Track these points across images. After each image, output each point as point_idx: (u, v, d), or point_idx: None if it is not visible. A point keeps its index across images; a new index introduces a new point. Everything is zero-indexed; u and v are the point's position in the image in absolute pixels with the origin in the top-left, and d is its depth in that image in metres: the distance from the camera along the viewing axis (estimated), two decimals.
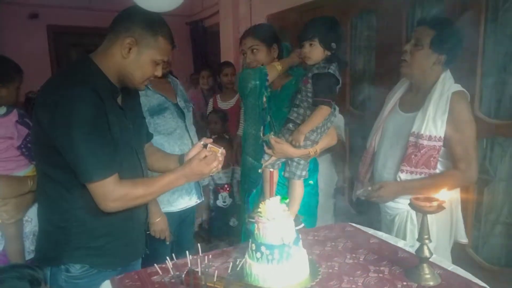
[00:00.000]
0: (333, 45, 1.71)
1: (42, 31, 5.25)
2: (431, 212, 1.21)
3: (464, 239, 1.82)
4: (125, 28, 1.29)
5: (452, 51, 1.69)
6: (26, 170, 1.73)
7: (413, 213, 1.74)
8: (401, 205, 1.77)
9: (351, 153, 3.23)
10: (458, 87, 1.70)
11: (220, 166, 1.42)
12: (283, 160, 1.85)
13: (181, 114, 2.04)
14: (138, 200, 1.32)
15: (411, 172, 1.71)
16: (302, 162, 1.82)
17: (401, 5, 2.68)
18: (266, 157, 1.83)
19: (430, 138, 1.66)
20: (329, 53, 1.72)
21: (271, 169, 1.82)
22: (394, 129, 1.84)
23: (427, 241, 1.21)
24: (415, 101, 1.77)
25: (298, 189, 1.85)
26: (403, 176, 1.73)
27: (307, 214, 1.93)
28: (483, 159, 2.29)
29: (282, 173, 1.88)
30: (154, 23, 1.32)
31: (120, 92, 1.38)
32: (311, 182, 1.95)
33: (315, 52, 1.71)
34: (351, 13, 3.15)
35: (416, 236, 1.73)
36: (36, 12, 5.07)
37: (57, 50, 5.44)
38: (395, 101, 1.90)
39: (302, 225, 1.88)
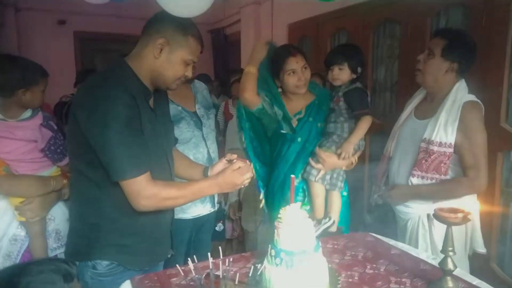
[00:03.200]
0: (359, 69, 1.89)
1: (69, 37, 5.43)
2: (456, 224, 1.18)
3: (482, 249, 1.80)
4: (157, 30, 1.34)
5: (464, 58, 1.73)
6: (50, 170, 1.77)
7: (424, 217, 1.78)
8: (412, 210, 1.82)
9: (370, 161, 3.20)
10: (471, 97, 1.73)
11: (248, 181, 1.42)
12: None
13: (198, 123, 2.04)
14: (169, 201, 1.33)
15: (422, 177, 1.76)
16: (341, 173, 1.91)
17: (425, 14, 2.65)
18: (314, 172, 1.88)
19: (440, 144, 1.70)
20: (354, 76, 1.89)
21: (321, 183, 1.89)
22: (408, 135, 1.89)
23: (451, 253, 1.18)
24: (430, 108, 1.82)
25: (337, 200, 1.93)
26: (414, 180, 1.78)
27: (344, 224, 1.99)
28: (509, 173, 2.23)
29: (324, 185, 1.92)
30: (184, 24, 1.37)
31: (152, 95, 1.42)
32: (345, 193, 2.01)
33: (344, 74, 1.87)
34: (373, 22, 3.14)
35: (428, 241, 1.78)
36: (64, 18, 5.25)
37: (83, 56, 5.60)
38: (411, 109, 1.96)
39: (332, 220, 1.90)
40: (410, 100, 2.00)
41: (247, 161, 1.43)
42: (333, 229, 1.90)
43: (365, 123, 1.85)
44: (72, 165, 1.40)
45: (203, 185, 1.39)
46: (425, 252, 1.67)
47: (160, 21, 1.36)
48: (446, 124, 1.69)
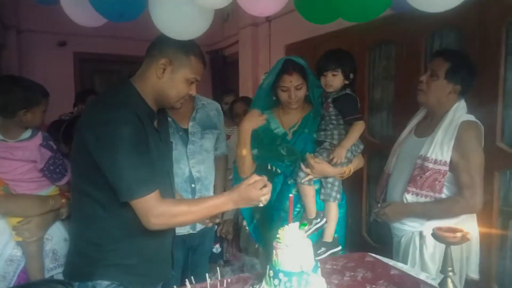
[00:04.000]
0: (352, 75, 1.86)
1: (69, 58, 5.48)
2: (454, 243, 1.18)
3: (475, 275, 1.78)
4: (159, 51, 1.37)
5: (466, 81, 1.77)
6: (48, 190, 1.76)
7: (416, 235, 1.79)
8: (406, 227, 1.84)
9: (368, 180, 3.20)
10: (469, 117, 1.75)
11: (269, 194, 1.38)
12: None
13: (185, 139, 1.99)
14: (180, 217, 1.31)
15: (417, 194, 1.77)
16: (336, 183, 1.87)
17: (420, 35, 2.71)
18: (301, 174, 1.85)
19: (435, 161, 1.72)
20: (347, 82, 1.86)
21: (308, 185, 1.85)
22: (407, 153, 1.92)
23: (451, 273, 1.18)
24: (429, 127, 1.85)
25: (333, 211, 1.88)
26: (409, 197, 1.80)
27: (340, 240, 1.94)
28: (506, 192, 2.23)
29: (319, 196, 1.89)
30: (186, 44, 1.41)
31: (156, 116, 1.45)
32: (342, 209, 1.95)
33: (337, 81, 1.84)
34: (368, 43, 3.20)
35: (417, 259, 1.78)
36: (64, 40, 5.32)
37: (82, 76, 5.64)
38: (411, 127, 1.99)
39: (340, 247, 1.89)
40: (411, 119, 2.03)
41: (265, 176, 1.39)
42: (329, 239, 1.87)
43: (357, 128, 1.83)
44: (75, 185, 1.40)
45: (217, 201, 1.36)
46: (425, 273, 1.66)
47: (163, 42, 1.40)
48: (442, 142, 1.71)
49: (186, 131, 2.01)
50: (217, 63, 6.15)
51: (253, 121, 1.85)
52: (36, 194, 1.71)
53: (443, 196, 1.74)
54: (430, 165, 1.72)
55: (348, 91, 1.86)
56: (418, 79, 1.87)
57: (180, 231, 1.96)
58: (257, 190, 1.34)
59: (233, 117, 3.29)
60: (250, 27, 4.82)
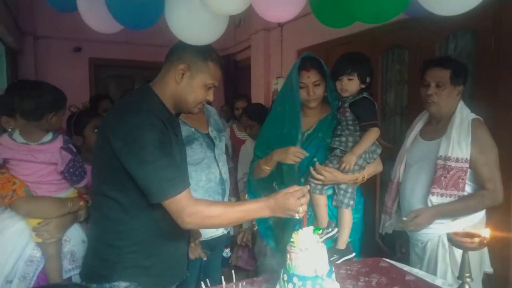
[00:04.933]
0: (368, 79, 1.82)
1: (84, 64, 5.58)
2: (472, 249, 1.17)
3: (489, 269, 1.83)
4: (178, 56, 1.41)
5: (466, 79, 1.88)
6: (67, 192, 1.79)
7: (444, 237, 1.78)
8: (432, 230, 1.83)
9: (381, 185, 3.18)
10: (474, 115, 1.84)
11: (306, 206, 1.35)
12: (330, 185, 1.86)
13: (211, 144, 2.07)
14: (213, 219, 1.31)
15: (442, 195, 1.79)
16: (349, 190, 1.84)
17: (434, 39, 2.69)
18: (311, 183, 1.83)
19: (457, 160, 1.76)
20: (363, 86, 1.83)
21: (319, 194, 1.84)
22: (421, 157, 1.92)
23: (468, 279, 1.16)
24: (437, 129, 1.90)
25: (347, 218, 1.85)
26: (433, 199, 1.81)
27: (355, 247, 1.93)
28: None
29: (332, 203, 1.88)
30: (204, 49, 1.43)
31: (178, 121, 1.48)
32: (358, 214, 1.94)
33: (353, 85, 1.81)
34: (381, 48, 3.18)
35: (448, 261, 1.77)
36: (80, 46, 5.42)
37: (97, 81, 5.74)
38: (416, 133, 2.01)
39: (354, 254, 1.87)
40: (412, 126, 2.06)
41: (305, 187, 1.37)
42: (342, 246, 1.85)
43: (372, 135, 1.78)
44: (96, 188, 1.42)
45: (253, 206, 1.35)
46: (444, 274, 1.72)
47: (181, 48, 1.43)
48: (460, 140, 1.76)
49: (208, 136, 2.09)
50: (229, 68, 6.19)
51: (289, 158, 1.77)
52: (55, 196, 1.74)
53: (465, 193, 1.78)
54: (453, 164, 1.76)
55: (365, 94, 1.82)
56: (424, 91, 1.88)
57: (206, 236, 2.02)
58: (296, 200, 1.31)
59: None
60: (262, 32, 4.84)
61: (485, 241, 1.15)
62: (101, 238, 1.39)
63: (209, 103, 2.27)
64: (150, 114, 1.29)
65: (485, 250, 1.81)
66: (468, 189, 1.79)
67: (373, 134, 1.79)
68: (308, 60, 1.86)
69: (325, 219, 1.85)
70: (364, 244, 2.05)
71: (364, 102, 1.80)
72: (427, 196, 1.82)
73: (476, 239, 1.15)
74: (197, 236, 1.96)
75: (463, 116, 1.81)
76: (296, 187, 1.34)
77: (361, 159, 1.80)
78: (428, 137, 1.93)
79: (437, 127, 1.90)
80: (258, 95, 4.84)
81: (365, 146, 1.79)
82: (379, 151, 1.88)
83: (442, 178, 1.78)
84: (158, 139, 1.27)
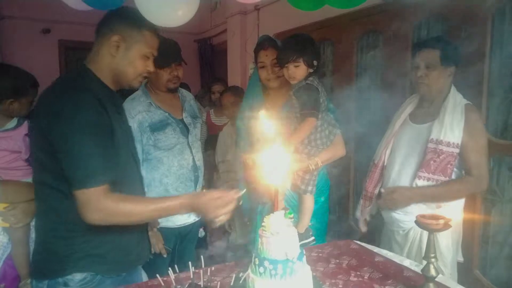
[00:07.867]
0: (315, 62, 1.75)
1: (53, 46, 5.38)
2: (437, 230, 1.19)
3: (460, 258, 1.85)
4: (110, 28, 1.32)
5: (458, 57, 1.82)
6: None
7: None
8: (414, 217, 1.78)
9: (355, 170, 3.23)
10: (467, 101, 1.81)
11: (226, 217, 1.30)
12: None
13: (185, 130, 2.04)
14: (120, 217, 1.23)
15: (428, 179, 1.77)
16: (307, 176, 1.80)
17: (407, 25, 2.71)
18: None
19: (448, 144, 1.73)
20: (311, 71, 1.76)
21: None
22: (410, 140, 1.89)
23: (433, 259, 1.19)
24: (428, 112, 1.86)
25: (307, 203, 1.83)
26: (419, 182, 1.78)
27: (317, 231, 1.91)
28: (490, 180, 2.27)
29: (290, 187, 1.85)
30: (138, 18, 1.35)
31: (118, 97, 1.40)
32: (322, 198, 1.93)
33: (300, 71, 1.73)
34: (356, 33, 3.19)
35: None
36: (48, 27, 5.20)
37: (67, 64, 5.54)
38: (405, 116, 1.96)
39: (312, 238, 1.86)
40: (400, 109, 2.00)
41: (235, 191, 1.30)
42: (301, 230, 1.82)
43: (306, 125, 1.68)
44: (37, 177, 1.32)
45: (173, 203, 1.27)
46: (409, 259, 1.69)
47: (113, 19, 1.34)
48: (452, 125, 1.74)
49: (182, 122, 2.05)
50: (205, 51, 6.10)
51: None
52: (23, 181, 1.68)
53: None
54: (444, 148, 1.73)
55: (309, 81, 1.73)
56: (404, 69, 1.88)
57: (178, 223, 2.04)
58: (216, 209, 1.25)
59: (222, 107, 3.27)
60: (239, 16, 4.77)
61: (449, 223, 1.18)
62: (51, 231, 1.30)
63: (185, 87, 2.24)
64: (84, 93, 1.20)
65: (460, 239, 1.82)
66: (453, 176, 1.76)
67: (308, 124, 1.69)
68: (266, 40, 1.86)
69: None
70: (337, 226, 2.08)
71: (305, 89, 1.72)
72: (413, 180, 1.79)
73: (441, 221, 1.17)
74: (155, 224, 1.92)
75: (456, 100, 1.78)
76: (224, 193, 1.27)
77: (308, 147, 1.75)
78: (418, 120, 1.89)
79: (429, 110, 1.86)
80: (235, 79, 4.80)
81: (299, 137, 1.71)
82: (336, 131, 1.82)
83: (432, 162, 1.74)
84: (92, 121, 1.18)
